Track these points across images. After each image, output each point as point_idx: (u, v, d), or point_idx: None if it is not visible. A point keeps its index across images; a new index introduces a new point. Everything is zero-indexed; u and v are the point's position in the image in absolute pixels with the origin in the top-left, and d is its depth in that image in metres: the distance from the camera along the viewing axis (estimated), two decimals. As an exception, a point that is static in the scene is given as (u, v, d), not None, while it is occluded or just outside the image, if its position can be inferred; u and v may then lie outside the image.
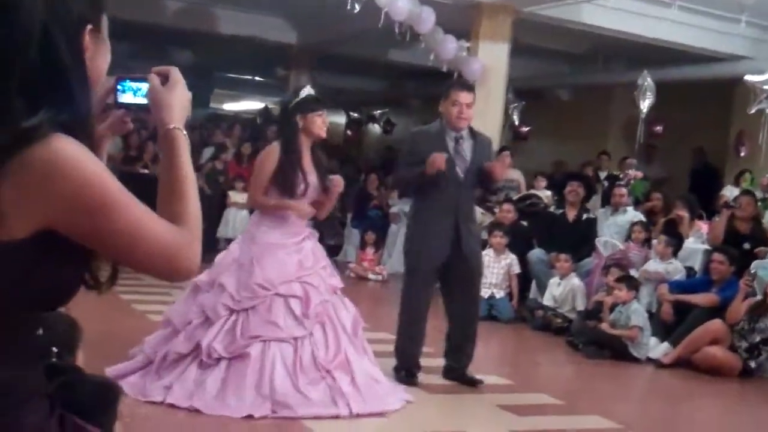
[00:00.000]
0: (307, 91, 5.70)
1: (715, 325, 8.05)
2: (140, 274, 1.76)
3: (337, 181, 5.72)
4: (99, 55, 1.75)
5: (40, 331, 2.76)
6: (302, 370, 5.25)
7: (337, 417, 5.20)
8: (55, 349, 2.99)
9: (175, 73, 1.89)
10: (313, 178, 5.65)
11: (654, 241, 9.64)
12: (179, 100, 1.87)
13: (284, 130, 5.76)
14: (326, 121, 5.71)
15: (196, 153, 13.88)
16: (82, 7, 1.68)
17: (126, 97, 1.93)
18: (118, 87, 1.92)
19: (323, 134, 5.70)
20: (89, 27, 1.70)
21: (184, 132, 1.84)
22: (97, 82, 1.78)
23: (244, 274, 5.43)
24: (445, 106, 6.27)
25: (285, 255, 5.51)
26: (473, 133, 6.37)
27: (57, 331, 2.99)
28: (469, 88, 6.47)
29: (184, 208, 1.77)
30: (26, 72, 1.58)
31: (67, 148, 1.56)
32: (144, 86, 1.89)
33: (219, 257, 5.75)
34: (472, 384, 6.39)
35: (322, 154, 5.83)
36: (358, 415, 5.28)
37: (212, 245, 11.93)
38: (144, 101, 1.89)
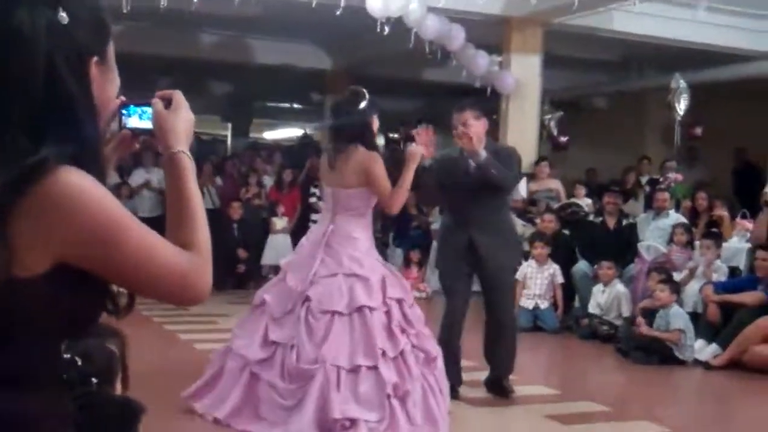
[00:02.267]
0: (365, 92, 5.76)
1: (766, 321, 7.95)
2: (155, 300, 1.75)
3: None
4: (106, 85, 1.75)
5: (79, 362, 2.83)
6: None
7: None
8: (94, 380, 3.05)
9: (179, 97, 1.88)
10: None
11: (697, 243, 9.58)
12: (183, 123, 1.86)
13: (365, 133, 5.67)
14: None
15: (240, 181, 14.07)
16: (86, 38, 1.67)
17: (132, 121, 1.93)
18: (123, 112, 1.92)
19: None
20: (95, 59, 1.69)
21: (189, 155, 1.84)
22: (105, 111, 1.77)
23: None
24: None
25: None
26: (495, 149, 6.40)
27: (96, 362, 3.04)
28: (462, 107, 6.40)
29: (193, 233, 1.76)
30: (32, 106, 1.58)
31: (75, 181, 1.56)
32: (148, 110, 1.89)
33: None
34: (505, 394, 6.37)
35: None
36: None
37: (257, 272, 12.08)
38: (149, 125, 1.89)
